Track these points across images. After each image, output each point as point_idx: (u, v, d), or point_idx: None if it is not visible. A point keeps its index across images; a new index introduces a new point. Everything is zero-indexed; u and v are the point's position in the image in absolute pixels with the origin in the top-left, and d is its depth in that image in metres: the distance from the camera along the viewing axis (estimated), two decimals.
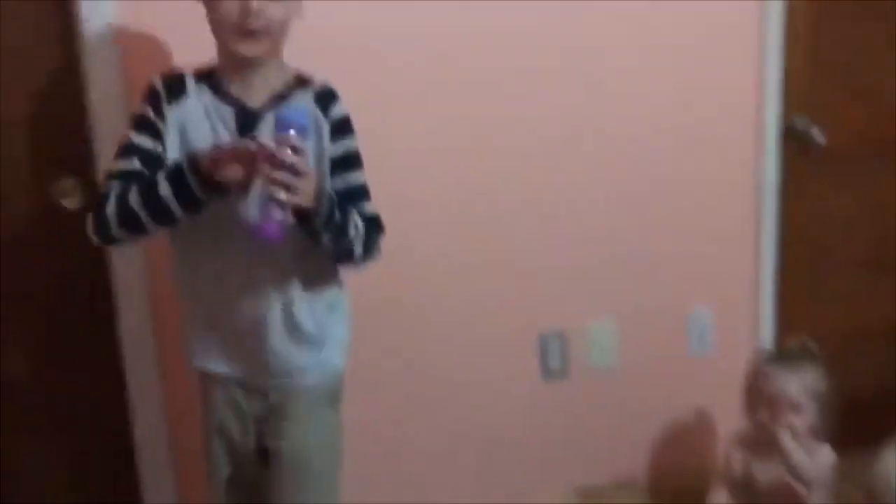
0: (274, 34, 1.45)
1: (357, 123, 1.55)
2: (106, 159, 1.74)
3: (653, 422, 2.35)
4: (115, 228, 1.42)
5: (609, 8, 2.08)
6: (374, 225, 1.56)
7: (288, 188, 1.29)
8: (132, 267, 1.86)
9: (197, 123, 1.47)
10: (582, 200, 2.18)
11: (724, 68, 2.22)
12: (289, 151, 1.30)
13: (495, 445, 2.22)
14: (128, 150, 1.46)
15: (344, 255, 1.51)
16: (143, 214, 1.40)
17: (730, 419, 2.13)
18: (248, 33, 1.42)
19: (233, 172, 1.33)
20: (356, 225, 1.49)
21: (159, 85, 1.49)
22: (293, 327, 1.53)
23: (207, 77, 1.50)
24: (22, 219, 1.86)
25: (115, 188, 1.43)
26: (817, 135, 2.28)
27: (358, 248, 1.50)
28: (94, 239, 1.46)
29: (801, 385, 1.91)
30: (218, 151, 1.37)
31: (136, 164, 1.45)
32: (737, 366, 2.12)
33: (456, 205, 2.09)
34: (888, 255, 2.52)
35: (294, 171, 1.30)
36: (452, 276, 2.11)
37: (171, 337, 1.86)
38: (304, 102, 1.49)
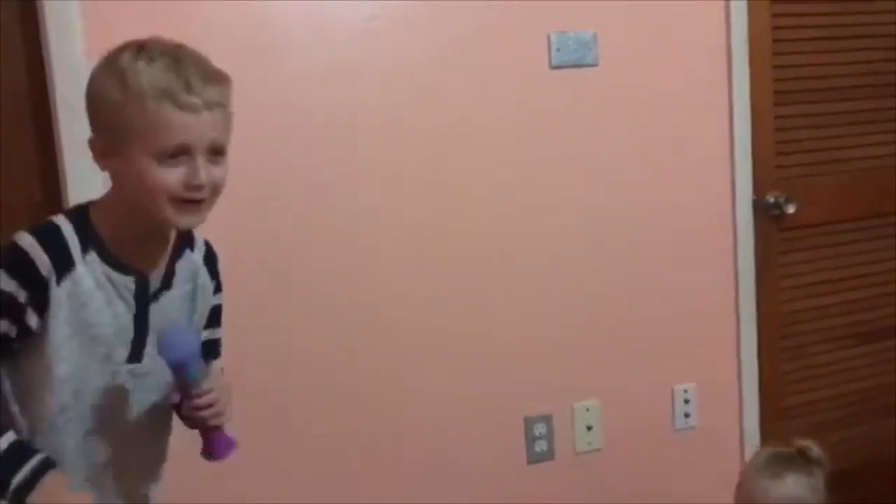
0: (214, 200, 1.23)
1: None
2: None
3: (641, 500, 2.32)
4: None
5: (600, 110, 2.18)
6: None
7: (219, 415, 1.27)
8: None
9: (91, 296, 1.21)
10: (565, 282, 2.19)
11: (697, 153, 2.29)
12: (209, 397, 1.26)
13: None
14: None
15: None
16: None
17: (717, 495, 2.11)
18: (191, 204, 1.19)
19: None
20: None
21: (42, 259, 1.17)
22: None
23: (90, 239, 1.22)
24: None
25: None
26: (789, 208, 2.33)
27: None
28: None
29: (792, 496, 1.84)
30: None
31: None
32: (721, 439, 2.11)
33: (441, 288, 2.08)
34: (866, 324, 2.56)
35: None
36: (437, 359, 2.09)
37: None
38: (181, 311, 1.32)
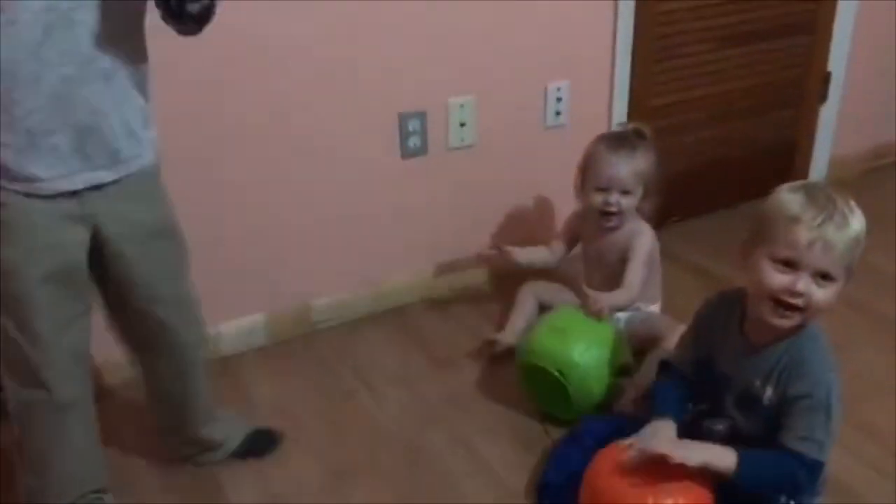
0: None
1: None
2: None
3: (510, 196, 2.45)
4: None
5: None
6: None
7: None
8: None
9: None
10: None
11: None
12: None
13: (357, 221, 2.27)
14: None
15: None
16: None
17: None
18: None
19: None
20: None
21: None
22: (131, 112, 1.44)
23: None
24: None
25: None
26: None
27: None
28: None
29: (630, 169, 1.98)
30: None
31: None
32: (589, 137, 2.18)
33: None
34: (739, 26, 2.59)
35: None
36: (313, 57, 2.04)
37: None
38: None
